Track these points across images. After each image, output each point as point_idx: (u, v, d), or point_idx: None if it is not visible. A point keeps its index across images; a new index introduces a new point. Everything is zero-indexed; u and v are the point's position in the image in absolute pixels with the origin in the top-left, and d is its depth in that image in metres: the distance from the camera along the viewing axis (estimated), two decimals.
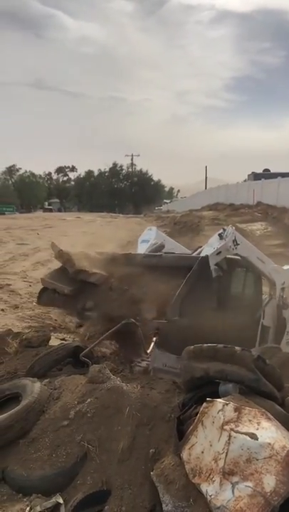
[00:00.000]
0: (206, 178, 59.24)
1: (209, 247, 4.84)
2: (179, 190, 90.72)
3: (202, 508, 2.41)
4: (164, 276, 4.40)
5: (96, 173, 72.59)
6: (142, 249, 5.64)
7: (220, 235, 4.80)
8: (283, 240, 17.96)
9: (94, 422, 3.03)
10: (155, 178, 74.40)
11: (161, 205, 64.96)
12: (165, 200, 72.33)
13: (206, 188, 51.80)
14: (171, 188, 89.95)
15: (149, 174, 72.75)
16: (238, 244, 4.90)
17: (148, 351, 3.47)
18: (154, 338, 3.55)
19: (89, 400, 3.14)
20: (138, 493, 2.72)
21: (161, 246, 5.62)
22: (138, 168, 72.04)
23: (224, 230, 4.87)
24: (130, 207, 69.27)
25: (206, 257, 4.37)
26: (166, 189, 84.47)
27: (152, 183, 73.02)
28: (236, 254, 5.00)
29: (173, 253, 5.46)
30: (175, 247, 5.98)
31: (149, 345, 3.55)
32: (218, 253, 4.72)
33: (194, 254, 5.12)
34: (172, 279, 4.33)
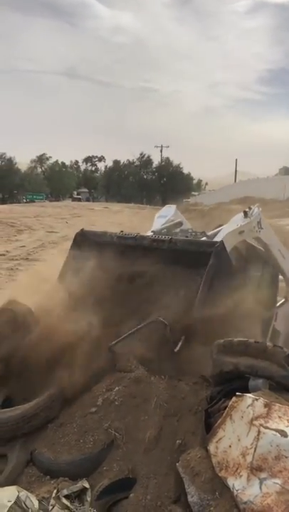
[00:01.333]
0: (235, 171, 58.62)
1: (232, 223, 4.40)
2: (207, 183, 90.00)
3: (228, 502, 2.40)
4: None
5: (123, 163, 72.58)
6: (158, 223, 5.19)
7: (245, 212, 4.36)
8: None
9: (121, 411, 3.06)
10: (185, 170, 74.14)
11: (188, 198, 64.72)
12: (193, 193, 71.93)
13: (235, 181, 51.24)
14: (200, 181, 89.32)
15: (180, 167, 72.49)
16: (262, 228, 4.51)
17: (175, 350, 3.38)
18: (183, 337, 3.45)
19: (117, 388, 3.17)
20: (163, 482, 2.74)
21: (179, 223, 5.18)
22: (170, 161, 71.90)
23: (250, 208, 4.47)
24: (158, 198, 69.23)
25: (222, 244, 3.78)
26: (195, 182, 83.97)
27: (181, 175, 72.76)
28: (258, 239, 4.60)
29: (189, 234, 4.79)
30: (189, 226, 5.34)
31: (177, 345, 3.41)
32: (241, 232, 4.27)
33: (213, 232, 4.62)
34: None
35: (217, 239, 4.16)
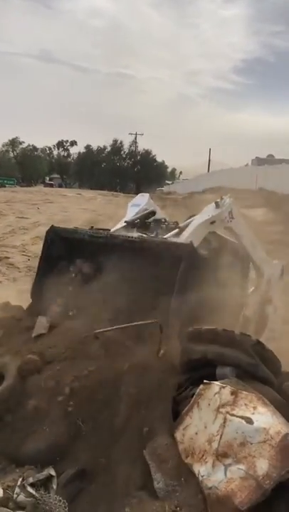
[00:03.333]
0: (209, 160, 58.90)
1: (204, 214, 4.43)
2: (181, 172, 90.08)
3: (193, 488, 2.43)
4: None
5: (95, 149, 71.55)
6: (131, 212, 5.12)
7: (216, 203, 4.38)
8: (283, 228, 17.88)
9: (89, 399, 3.03)
10: (158, 158, 73.86)
11: (162, 186, 64.63)
12: (167, 181, 71.91)
13: (208, 170, 51.49)
14: (174, 169, 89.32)
15: (153, 154, 72.17)
16: (233, 218, 4.55)
17: (159, 355, 3.38)
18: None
19: (84, 376, 3.14)
20: (130, 469, 2.74)
21: (152, 212, 5.08)
22: (141, 147, 71.42)
23: (222, 198, 4.48)
24: (132, 186, 68.88)
25: (191, 246, 3.84)
26: (169, 170, 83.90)
27: (155, 163, 72.51)
28: (229, 228, 4.64)
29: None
30: (162, 215, 5.25)
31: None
32: (212, 222, 4.31)
33: (185, 223, 4.61)
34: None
35: (189, 229, 4.22)
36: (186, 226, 4.43)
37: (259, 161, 34.55)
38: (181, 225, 4.65)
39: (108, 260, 4.12)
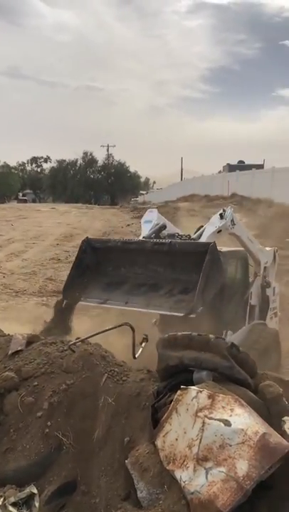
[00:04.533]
0: (181, 169, 59.44)
1: (211, 225, 5.29)
2: (154, 182, 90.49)
3: (176, 494, 2.44)
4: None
5: (67, 163, 71.30)
6: (145, 229, 5.82)
7: (220, 215, 5.29)
8: (257, 231, 18.06)
9: (68, 412, 3.01)
10: (132, 169, 74.07)
11: (137, 197, 64.79)
12: (141, 192, 72.07)
13: (181, 179, 51.95)
14: (147, 179, 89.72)
15: (126, 165, 72.42)
16: (234, 224, 5.42)
17: (136, 356, 3.45)
18: (143, 344, 3.55)
19: (63, 390, 3.11)
20: (113, 481, 2.74)
21: (164, 226, 5.81)
22: (114, 158, 71.58)
23: (224, 210, 5.37)
24: (106, 198, 68.81)
25: (215, 244, 4.62)
26: (142, 180, 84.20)
27: (129, 174, 72.68)
28: (232, 233, 5.54)
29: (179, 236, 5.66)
30: (172, 228, 6.18)
31: (138, 351, 3.51)
32: (219, 231, 5.24)
33: (196, 234, 5.55)
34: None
35: (202, 239, 5.16)
36: (199, 237, 5.35)
37: (230, 168, 35.08)
38: (193, 236, 5.54)
39: (142, 261, 5.06)
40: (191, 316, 4.18)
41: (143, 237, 5.58)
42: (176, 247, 4.89)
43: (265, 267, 6.34)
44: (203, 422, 2.45)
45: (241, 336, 5.62)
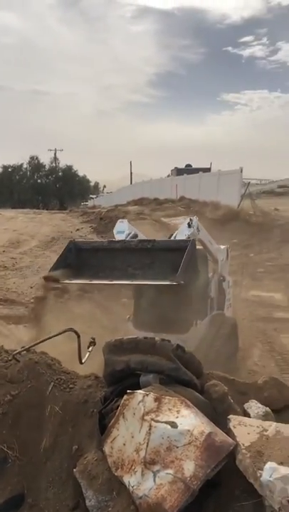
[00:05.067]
0: (130, 173, 59.68)
1: (181, 234, 5.97)
2: (105, 186, 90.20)
3: (125, 500, 2.42)
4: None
5: (12, 168, 69.56)
6: (120, 238, 6.24)
7: (188, 224, 5.98)
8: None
9: (14, 424, 2.93)
10: (80, 173, 73.38)
11: (87, 201, 64.31)
12: (91, 196, 71.57)
13: (131, 183, 52.17)
14: (97, 183, 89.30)
15: (74, 169, 71.66)
16: (199, 231, 6.16)
17: (83, 361, 3.42)
18: (90, 349, 3.53)
19: (8, 401, 3.03)
20: (61, 491, 2.69)
21: (135, 235, 6.30)
22: (62, 163, 70.61)
23: (191, 220, 6.08)
24: (55, 203, 67.77)
25: (194, 240, 5.34)
26: (92, 184, 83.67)
27: (77, 178, 72.00)
28: (199, 239, 6.14)
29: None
30: (143, 236, 6.63)
31: (84, 356, 3.49)
32: (187, 237, 5.84)
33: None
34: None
35: None
36: None
37: (178, 171, 35.60)
38: None
39: (127, 257, 5.50)
40: (176, 282, 4.72)
41: None
42: (160, 244, 5.52)
43: (221, 264, 7.22)
44: (150, 426, 2.45)
45: (206, 325, 6.34)
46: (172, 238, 6.00)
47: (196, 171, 29.11)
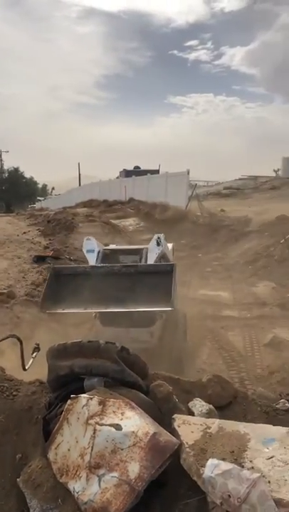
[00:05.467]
0: (79, 174, 59.03)
1: (152, 252, 6.65)
2: (53, 188, 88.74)
3: (71, 507, 2.38)
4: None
5: None
6: (90, 258, 6.80)
7: (157, 242, 6.61)
8: (154, 234, 18.65)
9: None
10: (27, 174, 71.74)
11: (34, 203, 63.01)
12: (39, 198, 70.16)
13: (79, 184, 51.67)
14: (45, 185, 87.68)
15: (21, 171, 69.95)
16: (163, 246, 6.71)
17: (26, 367, 3.36)
18: (34, 354, 3.47)
19: None
20: (4, 502, 2.60)
21: (105, 253, 6.92)
22: (8, 164, 68.73)
23: (159, 238, 6.63)
24: (1, 205, 65.88)
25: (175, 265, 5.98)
26: (40, 186, 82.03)
27: (24, 180, 70.37)
28: (162, 252, 6.78)
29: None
30: (115, 248, 7.40)
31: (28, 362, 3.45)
32: (158, 255, 6.56)
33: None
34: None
35: (150, 262, 6.49)
36: (144, 260, 6.66)
37: (126, 173, 35.61)
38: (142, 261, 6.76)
39: (112, 281, 5.92)
40: (171, 308, 5.36)
41: (91, 266, 6.54)
42: (142, 268, 6.15)
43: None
44: (94, 429, 2.43)
45: (165, 318, 6.78)
46: (143, 255, 6.72)
47: (144, 172, 29.26)
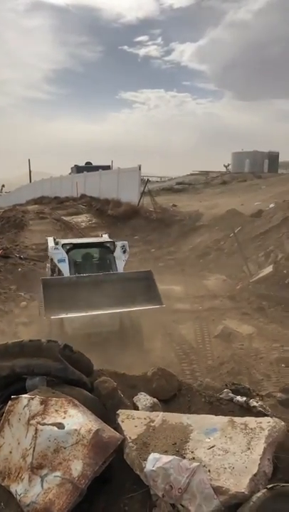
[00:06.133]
0: (29, 171, 57.71)
1: (119, 259, 7.87)
2: (3, 185, 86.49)
3: (13, 510, 2.33)
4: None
5: None
6: (64, 267, 7.50)
7: (124, 250, 7.91)
8: (107, 231, 18.59)
9: None
10: None
11: None
12: None
13: (30, 181, 50.57)
14: None
15: None
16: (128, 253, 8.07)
17: None
18: None
19: None
20: None
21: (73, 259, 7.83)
22: None
23: (124, 245, 7.94)
24: None
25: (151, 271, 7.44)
26: None
27: None
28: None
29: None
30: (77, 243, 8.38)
31: None
32: (125, 261, 7.90)
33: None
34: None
35: (119, 270, 7.88)
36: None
37: (78, 169, 35.17)
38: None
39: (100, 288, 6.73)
40: (160, 305, 6.70)
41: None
42: (122, 276, 7.38)
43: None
44: (36, 429, 2.38)
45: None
46: (113, 247, 7.98)
47: (96, 168, 29.03)
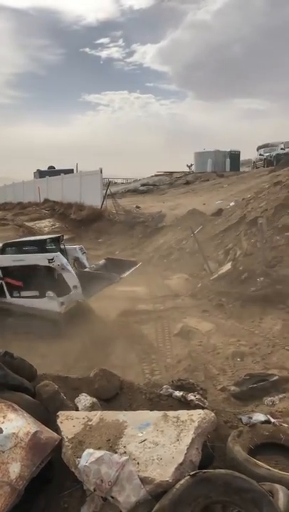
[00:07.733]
0: None
1: (83, 260, 8.98)
2: None
3: None
4: None
5: None
6: None
7: (83, 251, 9.10)
8: (71, 235, 18.58)
9: None
10: None
11: None
12: None
13: None
14: None
15: None
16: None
17: None
18: None
19: None
20: None
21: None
22: None
23: (82, 248, 9.20)
24: None
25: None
26: None
27: None
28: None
29: None
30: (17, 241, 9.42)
31: None
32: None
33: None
34: None
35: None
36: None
37: (40, 174, 34.83)
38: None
39: None
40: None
41: None
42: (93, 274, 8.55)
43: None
44: None
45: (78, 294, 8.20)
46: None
47: (58, 172, 28.86)
